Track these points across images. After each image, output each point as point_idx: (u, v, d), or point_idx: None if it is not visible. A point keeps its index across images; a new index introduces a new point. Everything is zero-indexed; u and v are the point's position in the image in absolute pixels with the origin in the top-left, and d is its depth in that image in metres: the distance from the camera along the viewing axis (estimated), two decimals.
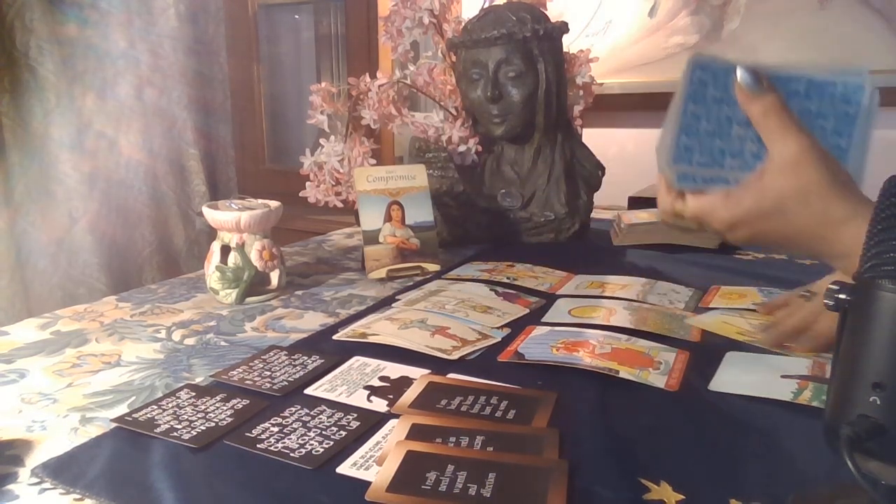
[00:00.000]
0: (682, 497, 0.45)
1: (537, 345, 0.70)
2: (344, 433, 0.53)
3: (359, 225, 1.02)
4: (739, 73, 0.51)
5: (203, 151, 2.05)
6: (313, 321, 0.82)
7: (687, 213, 0.54)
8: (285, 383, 0.62)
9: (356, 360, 0.67)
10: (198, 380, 0.64)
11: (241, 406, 0.58)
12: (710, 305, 0.83)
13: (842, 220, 0.48)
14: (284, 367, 0.66)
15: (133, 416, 0.56)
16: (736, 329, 0.74)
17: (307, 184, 1.21)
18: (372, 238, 0.99)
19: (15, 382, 0.64)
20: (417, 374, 0.63)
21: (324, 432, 0.53)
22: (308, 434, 0.53)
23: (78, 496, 0.46)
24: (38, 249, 1.64)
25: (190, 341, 0.75)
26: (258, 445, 0.51)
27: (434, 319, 0.76)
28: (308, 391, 0.61)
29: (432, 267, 1.00)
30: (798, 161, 0.49)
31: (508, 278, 0.95)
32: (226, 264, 0.88)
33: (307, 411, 0.57)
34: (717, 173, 0.53)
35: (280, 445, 0.51)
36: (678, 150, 0.53)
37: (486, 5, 1.26)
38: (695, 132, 0.52)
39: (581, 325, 0.75)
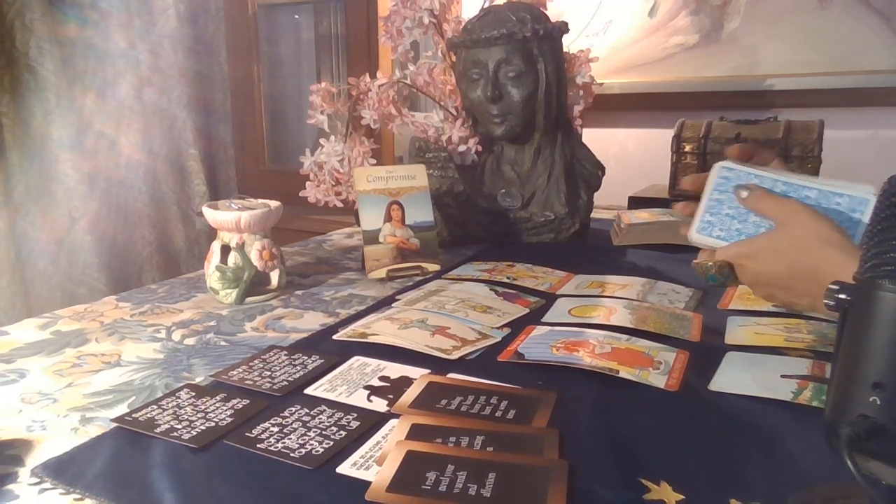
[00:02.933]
0: (682, 497, 0.45)
1: (537, 345, 0.70)
2: (344, 433, 0.53)
3: (359, 225, 1.02)
4: (739, 189, 0.65)
5: (203, 151, 2.05)
6: (313, 321, 0.82)
7: (717, 258, 0.66)
8: (285, 383, 0.62)
9: (356, 360, 0.67)
10: (198, 380, 0.64)
11: (241, 406, 0.58)
12: (730, 307, 0.83)
13: (823, 255, 0.58)
14: (284, 367, 0.66)
15: (133, 416, 0.56)
16: (774, 338, 0.72)
17: (307, 184, 1.21)
18: (372, 238, 0.99)
19: (15, 382, 0.64)
20: (417, 374, 0.63)
21: (324, 432, 0.53)
22: (308, 434, 0.53)
23: (78, 496, 0.46)
24: (38, 249, 1.64)
25: (190, 341, 0.75)
26: (258, 445, 0.51)
27: (434, 319, 0.76)
28: (308, 391, 0.61)
29: (432, 267, 1.00)
30: (786, 219, 0.61)
31: (508, 278, 0.95)
32: (226, 264, 0.88)
33: (307, 411, 0.57)
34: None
35: (280, 445, 0.51)
36: (701, 224, 0.66)
37: (486, 5, 1.26)
38: (717, 213, 0.66)
39: (581, 325, 0.75)
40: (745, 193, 0.64)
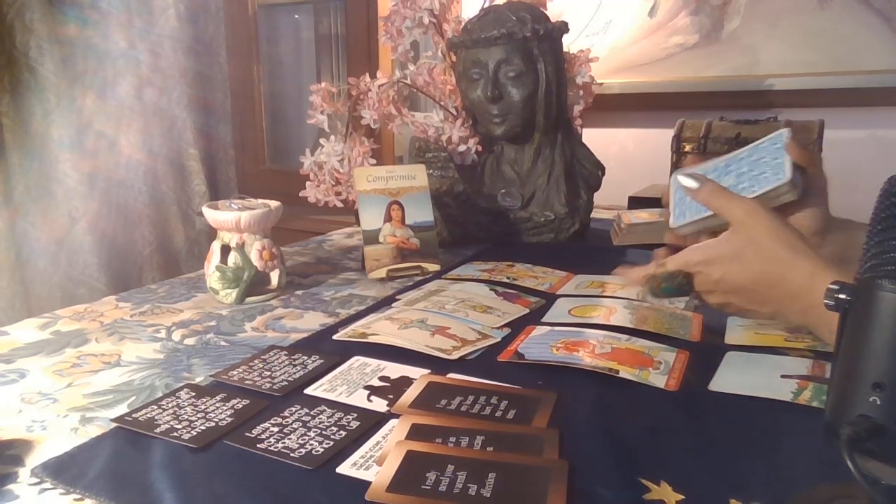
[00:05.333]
0: (682, 497, 0.45)
1: (537, 345, 0.70)
2: (344, 433, 0.53)
3: (359, 225, 1.02)
4: (681, 179, 0.68)
5: (203, 151, 2.06)
6: (313, 321, 0.82)
7: (670, 266, 0.67)
8: (285, 383, 0.62)
9: (356, 360, 0.67)
10: (198, 380, 0.64)
11: (241, 406, 0.58)
12: None
13: (789, 262, 0.58)
14: (284, 367, 0.66)
15: (133, 416, 0.56)
16: (774, 338, 0.71)
17: (307, 184, 1.21)
18: (372, 238, 0.99)
19: (15, 382, 0.64)
20: (417, 374, 0.63)
21: (324, 432, 0.53)
22: (308, 434, 0.53)
23: (78, 496, 0.46)
24: (38, 249, 1.64)
25: (190, 341, 0.75)
26: (258, 445, 0.51)
27: (434, 319, 0.76)
28: (308, 391, 0.61)
29: (432, 267, 1.00)
30: (745, 220, 0.61)
31: (508, 278, 0.95)
32: (226, 264, 0.88)
33: (307, 411, 0.57)
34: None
35: (280, 445, 0.51)
36: (674, 216, 0.72)
37: (486, 5, 1.26)
38: (681, 203, 0.71)
39: (581, 325, 0.75)
40: (693, 184, 0.65)
